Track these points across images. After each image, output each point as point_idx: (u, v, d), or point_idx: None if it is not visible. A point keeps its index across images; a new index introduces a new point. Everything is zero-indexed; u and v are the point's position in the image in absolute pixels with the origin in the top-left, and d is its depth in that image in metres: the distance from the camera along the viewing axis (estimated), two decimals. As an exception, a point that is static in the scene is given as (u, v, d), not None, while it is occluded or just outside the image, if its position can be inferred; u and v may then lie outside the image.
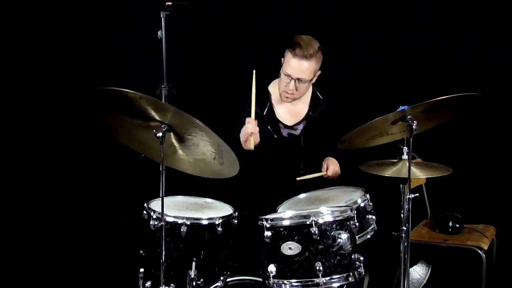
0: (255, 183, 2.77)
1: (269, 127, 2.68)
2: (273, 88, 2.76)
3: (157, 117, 2.02)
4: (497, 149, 3.31)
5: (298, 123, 2.74)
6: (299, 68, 2.54)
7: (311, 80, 2.64)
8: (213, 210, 2.39)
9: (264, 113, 2.69)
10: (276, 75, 2.72)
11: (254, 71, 2.46)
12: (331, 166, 2.65)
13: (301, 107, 2.76)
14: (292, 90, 2.60)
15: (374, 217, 2.25)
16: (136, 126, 2.10)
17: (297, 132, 2.73)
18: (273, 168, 2.73)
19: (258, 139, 2.51)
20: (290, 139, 2.71)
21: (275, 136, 2.69)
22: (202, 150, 2.15)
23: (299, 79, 2.57)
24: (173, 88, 3.14)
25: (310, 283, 2.04)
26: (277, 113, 2.73)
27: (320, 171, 2.67)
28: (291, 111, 2.75)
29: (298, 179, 2.61)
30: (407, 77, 3.39)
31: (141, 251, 2.31)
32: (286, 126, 2.73)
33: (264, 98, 2.70)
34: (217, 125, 2.11)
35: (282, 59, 2.65)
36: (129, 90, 1.91)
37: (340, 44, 3.47)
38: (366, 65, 3.48)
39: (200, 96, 3.56)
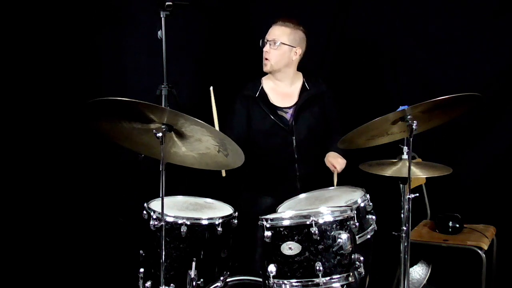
0: (251, 176, 2.90)
1: (261, 106, 2.85)
2: (267, 79, 2.97)
3: (155, 119, 2.02)
4: (497, 149, 3.30)
5: (288, 108, 2.89)
6: (273, 31, 2.86)
7: (287, 54, 2.84)
8: (213, 210, 2.39)
9: (256, 95, 2.89)
10: None
11: (211, 87, 2.64)
12: (335, 161, 2.73)
13: (291, 95, 2.94)
14: (266, 53, 2.85)
15: (374, 217, 2.25)
16: (136, 130, 2.10)
17: (287, 116, 2.86)
18: (268, 160, 2.86)
19: None
20: (282, 123, 2.83)
21: (270, 115, 2.83)
22: (205, 145, 2.15)
23: (273, 41, 2.83)
24: (173, 88, 3.14)
25: (310, 283, 2.04)
26: (269, 96, 2.91)
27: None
28: (281, 96, 2.93)
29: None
30: (407, 77, 3.38)
31: (141, 251, 2.31)
32: (277, 107, 2.89)
33: (257, 84, 2.94)
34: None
35: None
36: (124, 98, 1.91)
37: (340, 44, 3.47)
38: (366, 65, 3.48)
39: (200, 95, 3.55)
